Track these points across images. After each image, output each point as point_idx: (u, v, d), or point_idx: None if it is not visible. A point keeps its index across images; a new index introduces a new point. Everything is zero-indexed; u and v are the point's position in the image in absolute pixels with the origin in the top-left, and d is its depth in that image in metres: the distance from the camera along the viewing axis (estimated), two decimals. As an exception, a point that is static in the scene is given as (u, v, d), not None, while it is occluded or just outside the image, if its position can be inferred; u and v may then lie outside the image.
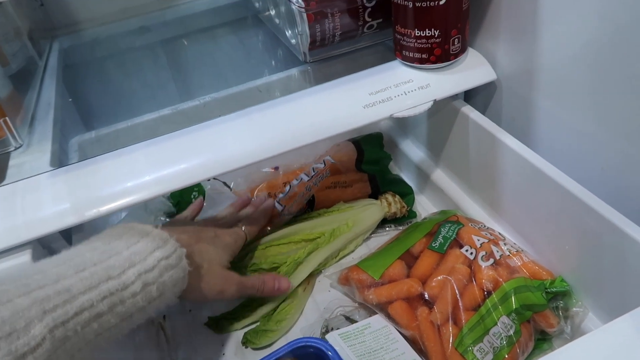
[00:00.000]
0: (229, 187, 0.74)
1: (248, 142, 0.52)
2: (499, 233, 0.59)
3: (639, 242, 0.42)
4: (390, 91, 0.56)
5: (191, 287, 0.48)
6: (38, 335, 0.33)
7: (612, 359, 0.34)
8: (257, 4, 0.82)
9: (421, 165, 0.74)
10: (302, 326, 0.59)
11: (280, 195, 0.68)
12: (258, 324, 0.59)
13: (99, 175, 0.50)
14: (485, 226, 0.60)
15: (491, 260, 0.53)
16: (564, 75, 0.50)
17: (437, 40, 0.54)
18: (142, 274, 0.41)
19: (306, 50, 0.62)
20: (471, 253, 0.54)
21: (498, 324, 0.49)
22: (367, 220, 0.68)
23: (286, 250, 0.64)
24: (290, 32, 0.65)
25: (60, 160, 0.54)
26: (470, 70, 0.59)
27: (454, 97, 0.62)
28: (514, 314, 0.49)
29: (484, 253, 0.54)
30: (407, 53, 0.57)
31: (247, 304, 0.61)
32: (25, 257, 0.47)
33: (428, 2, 0.51)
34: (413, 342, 0.52)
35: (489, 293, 0.51)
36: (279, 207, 0.68)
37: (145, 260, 0.42)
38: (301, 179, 0.68)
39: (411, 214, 0.72)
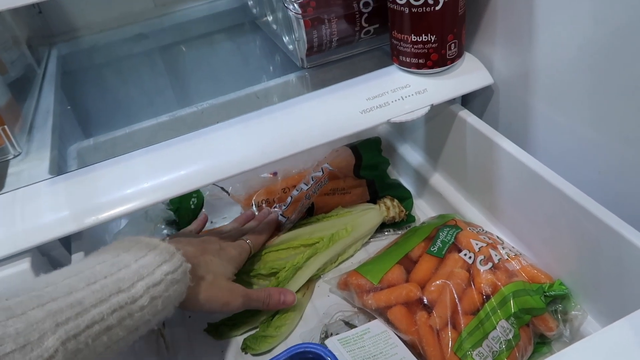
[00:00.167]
0: (227, 192, 0.74)
1: (246, 148, 0.53)
2: (498, 237, 0.59)
3: (636, 246, 0.42)
4: (388, 96, 0.56)
5: (197, 298, 0.49)
6: (51, 347, 0.34)
7: (611, 362, 0.34)
8: (254, 10, 0.82)
9: (419, 170, 0.75)
10: (301, 331, 0.59)
11: (283, 207, 0.69)
12: (257, 329, 0.59)
13: (98, 182, 0.50)
14: (483, 230, 0.60)
15: (490, 264, 0.53)
16: (560, 78, 0.51)
17: (434, 45, 0.54)
18: (150, 287, 0.41)
19: (303, 56, 0.62)
20: (470, 257, 0.54)
21: (497, 328, 0.49)
22: (366, 224, 0.68)
23: (285, 255, 0.64)
24: (287, 38, 0.65)
25: (59, 167, 0.54)
26: (467, 75, 0.59)
27: (452, 101, 0.62)
28: (512, 318, 0.49)
29: (482, 257, 0.54)
30: (403, 58, 0.57)
31: (246, 310, 0.61)
32: (24, 265, 0.47)
33: (424, 8, 0.52)
34: (412, 347, 0.52)
35: (488, 297, 0.51)
36: (282, 219, 0.68)
37: (153, 274, 0.42)
38: (301, 188, 0.68)
39: (410, 218, 0.72)
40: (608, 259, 0.46)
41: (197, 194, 0.76)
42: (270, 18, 0.72)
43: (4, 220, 0.48)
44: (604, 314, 0.49)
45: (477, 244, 0.55)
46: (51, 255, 0.51)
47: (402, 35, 0.55)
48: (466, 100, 0.65)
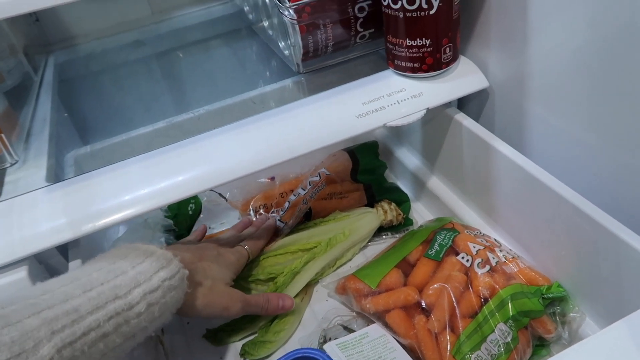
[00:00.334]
0: (224, 198, 0.74)
1: (243, 153, 0.53)
2: (495, 240, 0.59)
3: (633, 247, 0.43)
4: (383, 100, 0.57)
5: (195, 304, 0.49)
6: (46, 355, 0.34)
7: (609, 364, 0.34)
8: (250, 16, 0.83)
9: (417, 173, 0.75)
10: (300, 336, 0.59)
11: (281, 212, 0.69)
12: (256, 335, 0.59)
13: (95, 189, 0.50)
14: (481, 233, 0.60)
15: (487, 267, 0.53)
16: (555, 81, 0.51)
17: (429, 49, 0.54)
18: (147, 294, 0.41)
19: (299, 61, 0.62)
20: (467, 260, 0.54)
21: (495, 331, 0.49)
22: (364, 228, 0.68)
23: (283, 260, 0.64)
24: (283, 43, 0.65)
25: (56, 175, 0.54)
26: (462, 78, 0.59)
27: (447, 105, 0.63)
28: (511, 321, 0.49)
29: (480, 260, 0.54)
30: (399, 62, 0.57)
31: (245, 315, 0.61)
32: (22, 273, 0.47)
33: (419, 12, 0.52)
34: (411, 351, 0.52)
35: (486, 300, 0.51)
36: (280, 224, 0.68)
37: (150, 280, 0.42)
38: (299, 193, 0.69)
39: (407, 222, 0.72)
40: (605, 260, 0.46)
41: (194, 200, 0.76)
42: (266, 24, 0.72)
43: (1, 229, 0.48)
44: (602, 315, 0.49)
45: (474, 247, 0.55)
46: (48, 264, 0.51)
47: (397, 40, 0.55)
48: (462, 103, 0.66)
